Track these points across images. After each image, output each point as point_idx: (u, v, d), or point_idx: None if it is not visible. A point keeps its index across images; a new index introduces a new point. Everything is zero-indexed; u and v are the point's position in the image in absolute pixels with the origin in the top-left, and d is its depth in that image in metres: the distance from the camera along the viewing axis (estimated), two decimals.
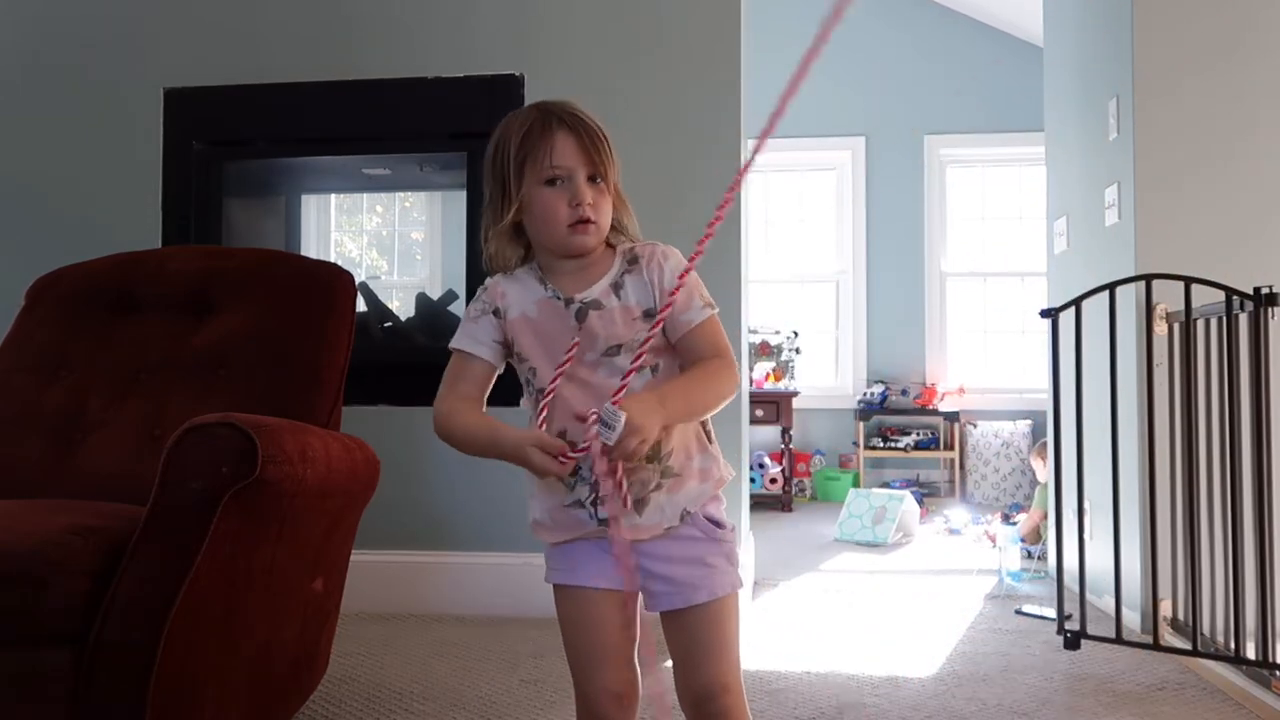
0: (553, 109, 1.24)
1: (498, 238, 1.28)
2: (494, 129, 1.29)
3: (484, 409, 1.27)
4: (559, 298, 1.24)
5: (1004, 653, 2.61)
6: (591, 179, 1.22)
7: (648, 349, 1.17)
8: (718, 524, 1.25)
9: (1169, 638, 2.56)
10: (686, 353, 1.24)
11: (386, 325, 3.35)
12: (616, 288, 1.23)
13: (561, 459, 1.13)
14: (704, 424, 1.27)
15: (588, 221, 1.21)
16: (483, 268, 1.32)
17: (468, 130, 2.99)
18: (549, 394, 1.19)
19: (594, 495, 1.20)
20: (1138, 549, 2.72)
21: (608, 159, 1.22)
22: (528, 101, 2.92)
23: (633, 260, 1.25)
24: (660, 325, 1.17)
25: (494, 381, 1.29)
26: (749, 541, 3.22)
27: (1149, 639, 2.50)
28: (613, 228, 1.26)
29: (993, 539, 4.32)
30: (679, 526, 1.22)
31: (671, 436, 1.21)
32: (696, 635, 1.23)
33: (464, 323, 1.29)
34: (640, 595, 1.25)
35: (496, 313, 1.27)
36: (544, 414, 1.18)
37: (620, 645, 1.26)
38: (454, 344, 1.28)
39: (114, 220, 3.05)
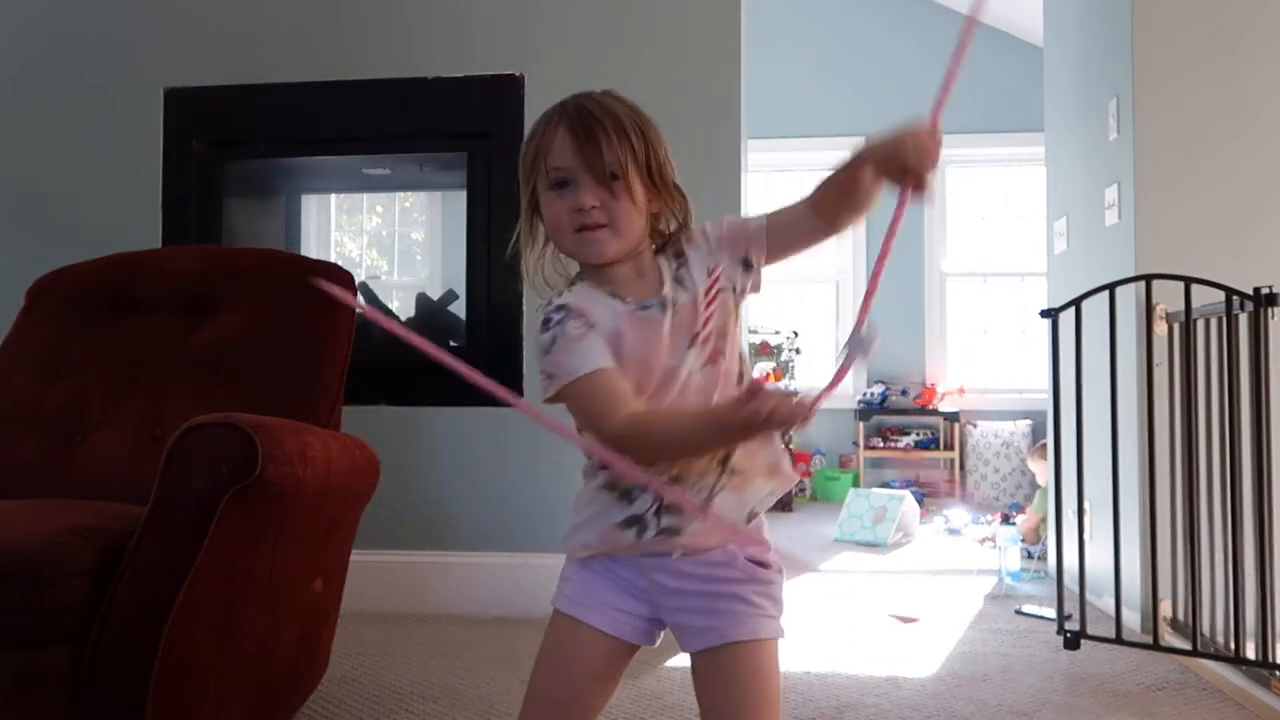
0: (569, 101, 1.13)
1: (527, 244, 1.17)
2: (493, 129, 1.22)
3: None
4: (643, 305, 1.12)
5: (1004, 653, 2.60)
6: (613, 176, 1.08)
7: (718, 331, 1.11)
8: (761, 565, 1.14)
9: (1169, 638, 2.56)
10: (782, 222, 1.14)
11: None
12: (679, 281, 1.13)
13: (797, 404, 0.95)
14: None
15: (594, 227, 1.09)
16: (527, 280, 1.19)
17: (468, 130, 2.98)
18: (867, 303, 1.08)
19: (657, 504, 1.10)
20: (1138, 549, 2.71)
21: (623, 152, 1.08)
22: (527, 102, 2.93)
23: (679, 254, 1.15)
24: (716, 288, 1.09)
25: None
26: None
27: (1149, 639, 2.50)
28: (655, 231, 1.15)
29: (992, 539, 4.32)
30: (719, 558, 1.13)
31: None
32: (733, 684, 1.12)
33: (569, 347, 1.09)
34: (666, 633, 1.18)
35: (593, 328, 1.11)
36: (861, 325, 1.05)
37: (589, 698, 1.17)
38: (578, 370, 1.08)
39: (114, 220, 3.05)
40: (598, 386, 1.07)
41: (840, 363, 1.00)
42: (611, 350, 1.09)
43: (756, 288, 1.17)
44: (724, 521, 1.11)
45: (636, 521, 1.12)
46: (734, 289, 1.15)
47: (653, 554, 1.14)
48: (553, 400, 1.11)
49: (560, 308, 1.12)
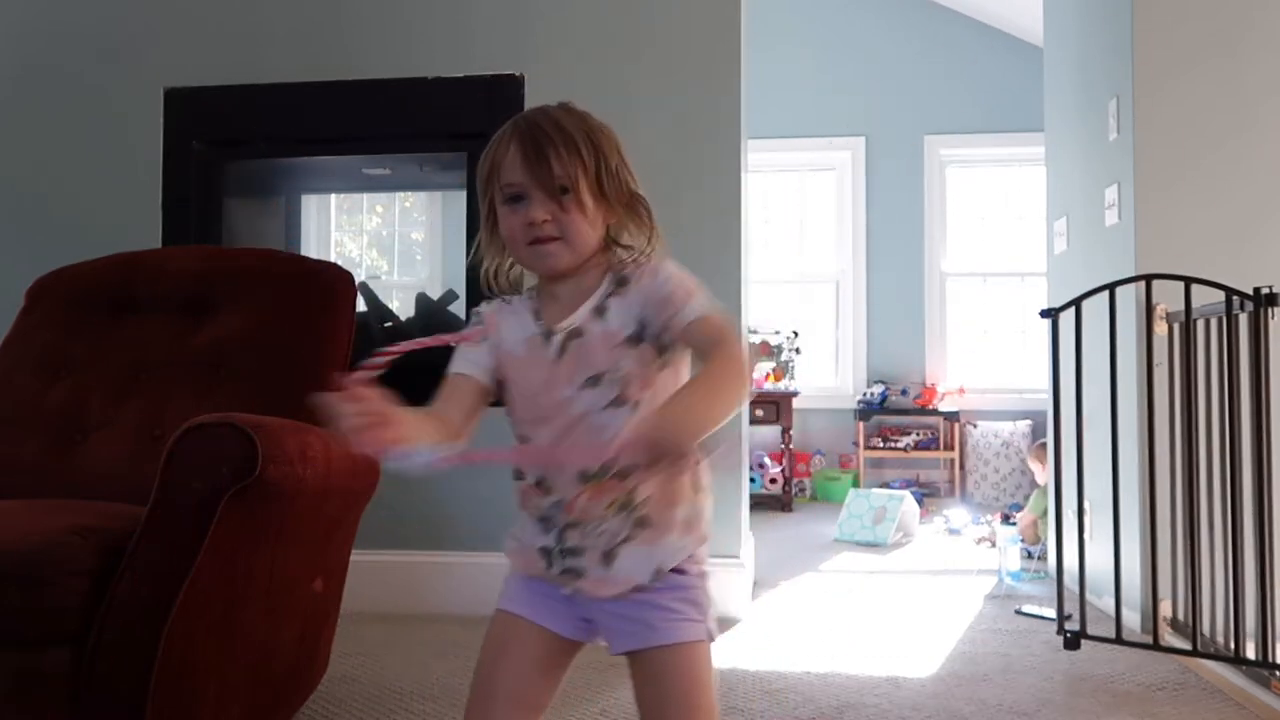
0: (522, 117, 1.17)
1: (489, 254, 1.20)
2: (493, 129, 1.23)
3: (463, 428, 1.15)
4: (543, 333, 1.15)
5: (1004, 653, 2.60)
6: (563, 190, 1.11)
7: (630, 377, 1.10)
8: (680, 571, 1.14)
9: (1169, 638, 2.56)
10: (691, 344, 1.11)
11: (386, 325, 3.35)
12: (600, 311, 1.13)
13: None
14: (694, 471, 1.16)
15: (546, 240, 1.12)
16: (481, 287, 1.23)
17: (468, 130, 2.98)
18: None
19: (561, 545, 1.13)
20: (1138, 549, 2.71)
21: (572, 166, 1.11)
22: (527, 102, 2.93)
23: (621, 282, 1.14)
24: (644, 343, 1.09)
25: (482, 405, 1.18)
26: (749, 542, 3.22)
27: (1149, 639, 2.50)
28: (611, 242, 1.17)
29: (989, 539, 4.32)
30: (649, 586, 1.13)
31: (647, 481, 1.09)
32: (662, 687, 1.13)
33: (459, 349, 1.19)
34: (599, 638, 1.19)
35: (488, 339, 1.19)
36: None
37: (532, 692, 1.18)
38: (449, 371, 1.18)
39: (114, 220, 3.05)
40: (442, 387, 1.16)
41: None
42: (505, 369, 1.16)
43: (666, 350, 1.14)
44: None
45: (547, 553, 1.16)
46: (655, 342, 1.12)
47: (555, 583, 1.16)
48: None
49: (477, 313, 1.22)
